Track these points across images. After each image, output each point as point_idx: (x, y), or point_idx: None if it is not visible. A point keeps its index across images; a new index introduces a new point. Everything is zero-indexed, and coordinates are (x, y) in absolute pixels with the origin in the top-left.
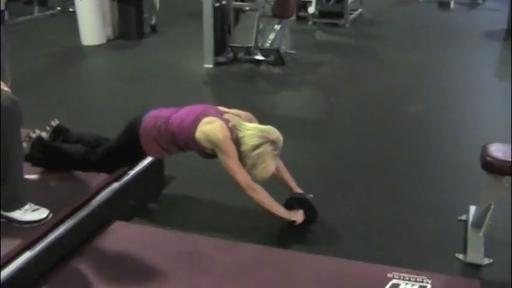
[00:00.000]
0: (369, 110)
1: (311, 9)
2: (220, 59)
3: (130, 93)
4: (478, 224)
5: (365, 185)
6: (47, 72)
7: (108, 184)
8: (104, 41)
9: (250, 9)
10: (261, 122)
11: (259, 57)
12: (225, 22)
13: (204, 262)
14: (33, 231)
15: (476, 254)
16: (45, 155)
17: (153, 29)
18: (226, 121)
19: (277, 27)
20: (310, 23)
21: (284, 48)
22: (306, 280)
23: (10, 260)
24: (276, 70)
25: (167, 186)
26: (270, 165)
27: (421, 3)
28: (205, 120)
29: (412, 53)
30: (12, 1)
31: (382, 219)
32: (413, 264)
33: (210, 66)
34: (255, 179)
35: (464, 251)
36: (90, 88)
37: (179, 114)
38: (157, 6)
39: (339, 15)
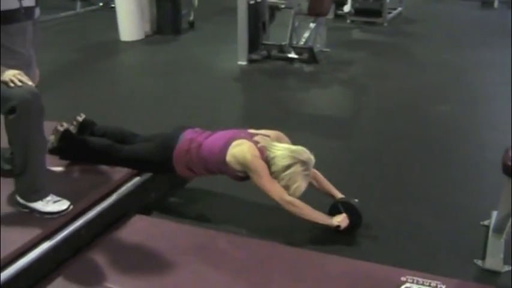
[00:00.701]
0: (398, 109)
1: (347, 8)
2: (254, 56)
3: (162, 88)
4: (498, 229)
5: (386, 185)
6: (82, 66)
7: (130, 178)
8: (141, 36)
9: (286, 7)
10: (288, 118)
11: (292, 55)
12: (259, 19)
13: (217, 257)
14: (53, 222)
15: (495, 261)
16: (72, 148)
17: (191, 25)
18: (256, 142)
19: (312, 25)
20: (348, 21)
21: (319, 46)
22: (318, 280)
23: (29, 249)
24: (309, 68)
25: (190, 181)
26: (302, 185)
27: (464, 2)
28: (234, 143)
29: (449, 53)
30: None
31: (401, 220)
32: (429, 268)
33: (244, 63)
34: None
35: (484, 257)
36: (123, 82)
37: (210, 140)
38: (196, 3)
39: (377, 13)
